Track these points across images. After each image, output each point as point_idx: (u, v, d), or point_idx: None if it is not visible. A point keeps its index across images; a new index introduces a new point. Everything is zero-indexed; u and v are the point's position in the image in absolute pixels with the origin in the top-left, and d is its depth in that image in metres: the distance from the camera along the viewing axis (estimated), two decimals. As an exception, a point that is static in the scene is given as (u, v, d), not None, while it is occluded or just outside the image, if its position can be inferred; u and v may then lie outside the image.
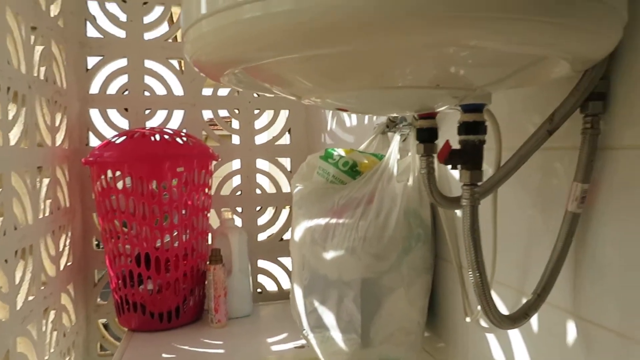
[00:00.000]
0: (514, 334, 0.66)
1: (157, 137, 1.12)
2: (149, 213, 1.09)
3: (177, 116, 1.34)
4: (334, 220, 0.77)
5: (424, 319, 0.79)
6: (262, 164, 1.39)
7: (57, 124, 1.09)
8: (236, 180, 1.37)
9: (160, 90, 1.31)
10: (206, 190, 1.19)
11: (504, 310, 0.67)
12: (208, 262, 1.14)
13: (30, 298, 0.87)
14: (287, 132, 1.40)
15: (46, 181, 1.00)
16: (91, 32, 1.26)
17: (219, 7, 0.40)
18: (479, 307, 0.63)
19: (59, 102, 1.11)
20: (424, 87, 0.44)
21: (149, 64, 1.29)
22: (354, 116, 1.16)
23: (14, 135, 0.84)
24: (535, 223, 0.62)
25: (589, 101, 0.54)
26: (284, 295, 1.37)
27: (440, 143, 0.55)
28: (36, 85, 0.95)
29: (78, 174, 1.22)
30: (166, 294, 1.12)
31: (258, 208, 1.38)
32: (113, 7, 1.28)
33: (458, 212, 0.75)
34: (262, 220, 1.38)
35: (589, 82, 0.53)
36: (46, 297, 0.96)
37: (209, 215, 1.23)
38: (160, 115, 1.32)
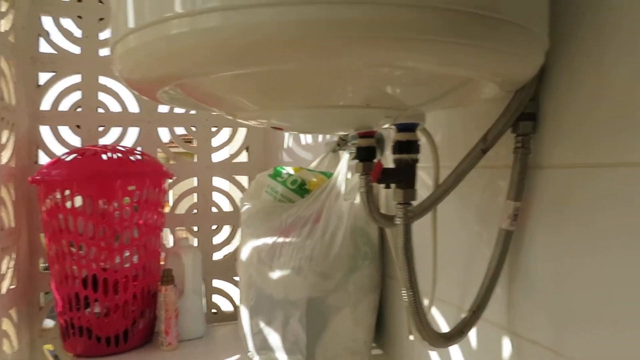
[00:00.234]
0: (455, 351, 0.66)
1: (109, 155, 1.09)
2: (99, 233, 1.06)
3: (132, 134, 1.32)
4: (281, 239, 0.76)
5: (370, 338, 0.79)
6: (219, 182, 1.37)
7: (3, 141, 1.06)
8: (193, 199, 1.35)
9: (114, 107, 1.29)
10: (160, 209, 1.16)
11: (445, 327, 0.67)
12: (159, 283, 1.11)
13: (-35, 322, 0.83)
14: (245, 150, 1.40)
15: (-12, 200, 0.97)
16: (44, 47, 1.24)
17: (146, 22, 0.40)
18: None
19: (6, 118, 1.07)
20: (354, 107, 0.45)
21: (103, 80, 1.27)
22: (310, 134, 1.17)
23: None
24: (474, 240, 0.63)
25: (520, 121, 0.55)
26: (239, 316, 1.34)
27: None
28: (-21, 101, 0.92)
29: (25, 193, 1.18)
30: (114, 317, 1.08)
31: (214, 227, 1.36)
32: (68, 23, 1.26)
33: (404, 230, 0.76)
34: (218, 239, 1.36)
35: (519, 103, 0.55)
36: (-16, 321, 0.91)
37: (162, 234, 1.20)
38: (115, 132, 1.30)
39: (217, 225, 1.37)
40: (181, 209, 1.35)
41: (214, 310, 1.35)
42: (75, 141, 1.25)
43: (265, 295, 0.76)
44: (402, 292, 0.51)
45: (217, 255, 1.36)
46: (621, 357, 0.45)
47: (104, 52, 1.28)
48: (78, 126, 1.25)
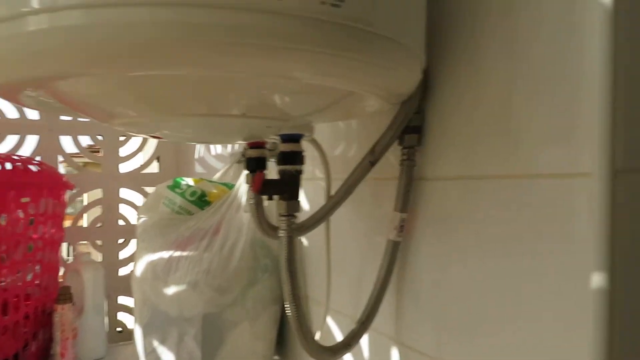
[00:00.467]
0: (349, 362, 0.66)
1: (1, 164, 1.01)
2: (-15, 249, 0.97)
3: (31, 142, 1.23)
4: (177, 253, 0.74)
5: (271, 351, 0.77)
6: (128, 193, 1.31)
7: None
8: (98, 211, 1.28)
9: (11, 112, 1.20)
10: (59, 222, 1.09)
11: (340, 338, 0.67)
12: (55, 302, 1.04)
13: None
14: (155, 160, 1.35)
15: None
16: None
17: (1, 16, 0.36)
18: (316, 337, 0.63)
19: None
20: (230, 116, 0.44)
21: (-3, 84, 1.18)
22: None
23: None
24: (366, 251, 0.64)
25: (405, 134, 0.56)
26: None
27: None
28: None
29: None
30: (2, 339, 1.00)
31: (121, 240, 1.30)
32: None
33: (304, 241, 0.75)
34: (125, 254, 1.30)
35: (404, 116, 0.56)
36: None
37: (61, 249, 1.13)
38: (11, 140, 1.21)
39: (124, 239, 1.30)
40: (86, 221, 1.27)
41: (119, 329, 1.28)
42: (-36, 149, 1.16)
43: (159, 312, 0.73)
44: (285, 306, 0.50)
45: (124, 271, 1.29)
46: (492, 364, 0.46)
47: None
48: (-32, 133, 1.16)
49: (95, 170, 1.31)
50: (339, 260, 0.65)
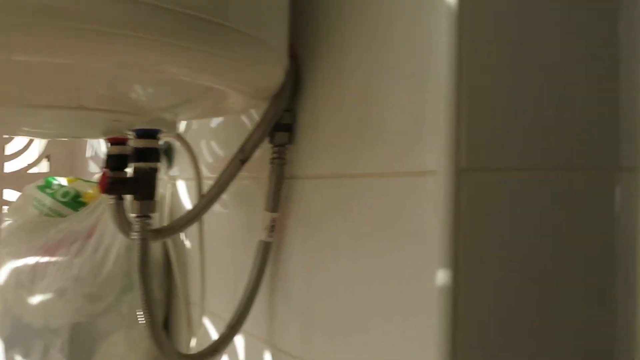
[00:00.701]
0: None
1: None
2: None
3: None
4: (45, 259, 0.68)
5: (150, 360, 0.74)
6: (13, 195, 1.21)
7: None
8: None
9: None
10: None
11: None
12: None
13: None
14: (45, 159, 1.25)
15: None
16: None
17: None
18: (192, 343, 0.60)
19: None
20: (66, 108, 0.40)
21: None
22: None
23: None
24: (240, 252, 0.62)
25: (276, 132, 0.55)
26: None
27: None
28: None
29: None
30: None
31: (3, 246, 1.19)
32: None
33: (187, 244, 0.72)
34: (8, 260, 1.20)
35: (274, 113, 0.54)
36: None
37: None
38: None
39: (8, 243, 1.20)
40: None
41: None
42: None
43: (22, 324, 0.67)
44: (138, 312, 0.47)
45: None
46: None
47: None
48: None
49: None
50: (216, 262, 0.63)
